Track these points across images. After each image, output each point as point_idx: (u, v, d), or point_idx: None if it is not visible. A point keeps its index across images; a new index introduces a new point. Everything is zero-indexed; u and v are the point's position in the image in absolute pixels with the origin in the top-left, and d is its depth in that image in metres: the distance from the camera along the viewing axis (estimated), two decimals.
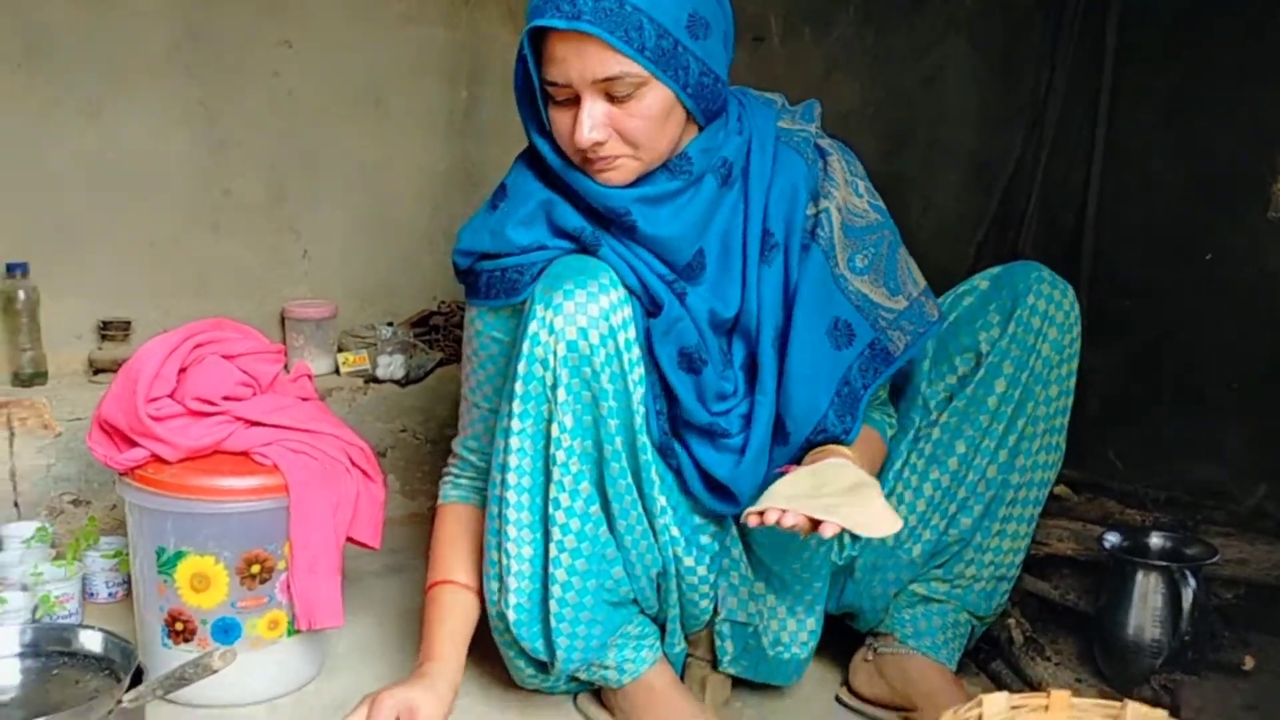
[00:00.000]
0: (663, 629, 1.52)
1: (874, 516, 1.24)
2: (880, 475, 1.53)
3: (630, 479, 1.37)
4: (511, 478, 1.35)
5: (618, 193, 1.36)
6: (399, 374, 2.31)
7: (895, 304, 1.45)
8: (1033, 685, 1.60)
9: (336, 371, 2.32)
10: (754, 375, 1.44)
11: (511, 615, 1.40)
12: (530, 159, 1.44)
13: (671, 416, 1.44)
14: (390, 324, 2.38)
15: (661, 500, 1.41)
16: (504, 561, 1.39)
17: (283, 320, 2.32)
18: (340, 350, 2.33)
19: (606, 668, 1.48)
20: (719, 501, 1.46)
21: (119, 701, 1.33)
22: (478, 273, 1.45)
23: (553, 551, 1.36)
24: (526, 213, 1.41)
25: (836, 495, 1.27)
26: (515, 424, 1.33)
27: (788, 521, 1.22)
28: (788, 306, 1.42)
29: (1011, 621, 1.70)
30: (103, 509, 2.03)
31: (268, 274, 2.34)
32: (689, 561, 1.45)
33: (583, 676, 1.50)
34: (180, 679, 1.34)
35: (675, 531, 1.44)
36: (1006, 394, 1.49)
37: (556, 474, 1.33)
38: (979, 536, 1.55)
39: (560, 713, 1.55)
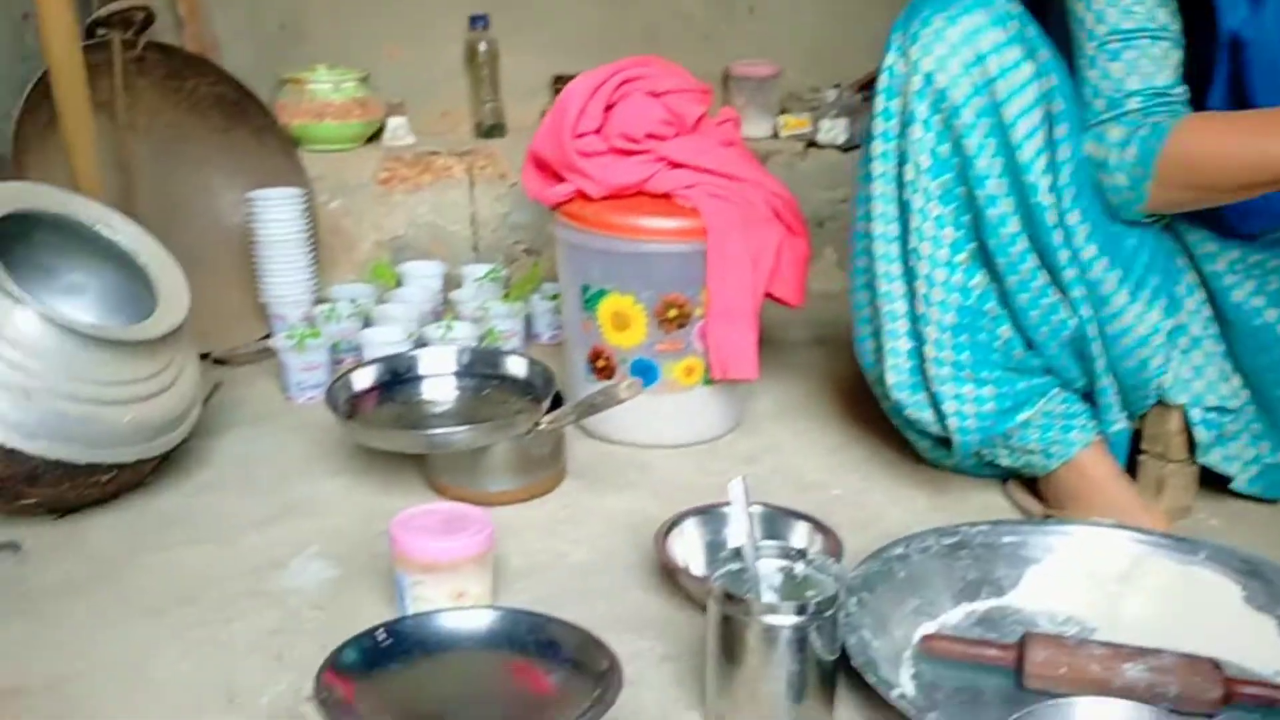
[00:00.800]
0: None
1: None
2: None
3: (1018, 226, 1.20)
4: (877, 226, 1.24)
5: None
6: (841, 139, 2.18)
7: None
8: None
9: (776, 135, 2.23)
10: None
11: (890, 379, 1.29)
12: None
13: None
14: (836, 86, 2.24)
15: (1087, 252, 1.22)
16: (877, 319, 1.28)
17: (726, 79, 2.25)
18: (782, 112, 2.24)
19: (1030, 451, 1.31)
20: None
21: (537, 423, 1.37)
22: None
23: (920, 307, 1.23)
24: None
25: None
26: (877, 166, 1.22)
27: None
28: None
29: None
30: (550, 258, 2.11)
31: (714, 30, 2.27)
32: (1127, 320, 1.26)
33: (1004, 462, 1.35)
34: (590, 406, 1.36)
35: (1111, 286, 1.24)
36: None
37: (914, 220, 1.20)
38: None
39: (987, 497, 1.41)
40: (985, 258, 1.23)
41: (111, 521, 1.34)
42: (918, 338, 1.26)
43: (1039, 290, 1.23)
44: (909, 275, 1.24)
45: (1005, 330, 1.26)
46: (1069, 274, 1.22)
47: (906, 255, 1.23)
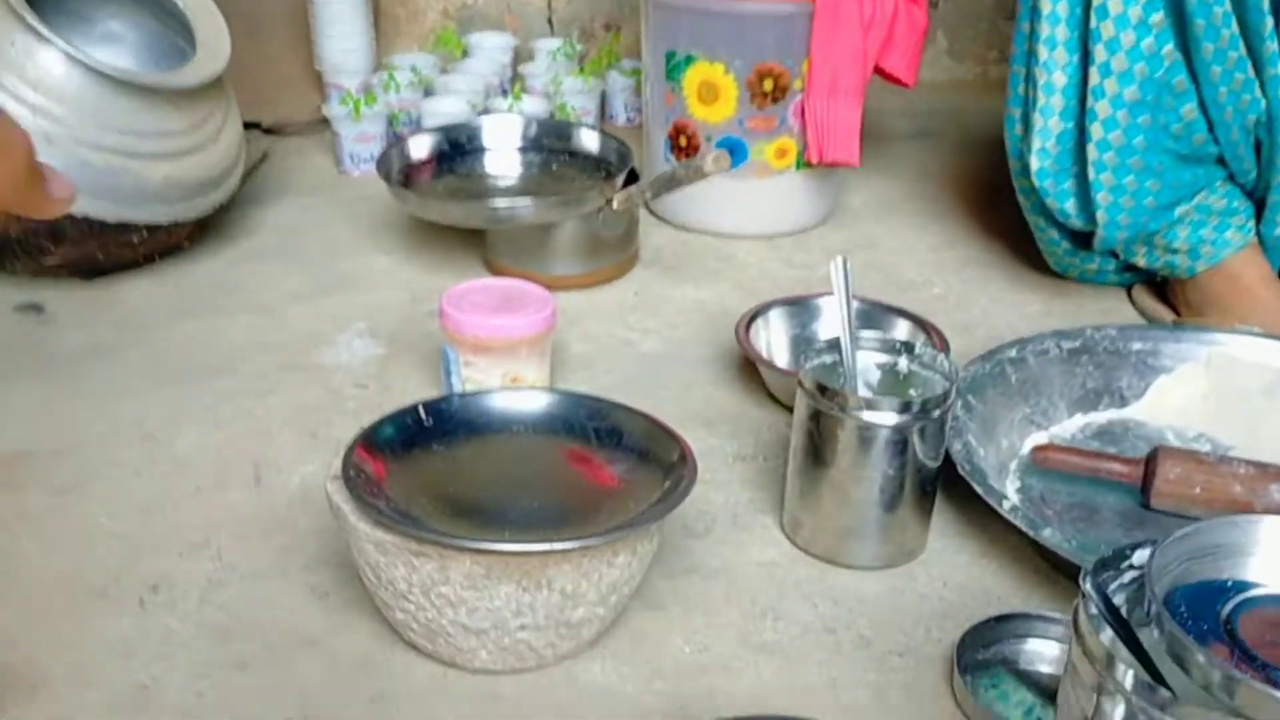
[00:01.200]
0: (1260, 206, 1.14)
1: None
2: None
3: None
4: None
5: None
6: None
7: None
8: None
9: None
10: None
11: (1035, 163, 1.12)
12: None
13: None
14: None
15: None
16: (1031, 92, 1.10)
17: None
18: None
19: (1174, 251, 1.15)
20: None
21: (610, 200, 1.24)
22: None
23: (1094, 78, 1.05)
24: None
25: None
26: None
27: None
28: None
29: None
30: (632, 32, 1.93)
31: None
32: None
33: (1141, 262, 1.19)
34: (670, 180, 1.22)
35: None
36: None
37: None
38: None
39: (1107, 304, 1.26)
40: (1176, 23, 1.04)
41: (145, 287, 1.24)
42: (1074, 118, 1.10)
43: (1235, 62, 1.03)
44: (1080, 42, 1.06)
45: (1189, 110, 1.07)
46: (1270, 47, 1.02)
47: (1083, 16, 1.05)
